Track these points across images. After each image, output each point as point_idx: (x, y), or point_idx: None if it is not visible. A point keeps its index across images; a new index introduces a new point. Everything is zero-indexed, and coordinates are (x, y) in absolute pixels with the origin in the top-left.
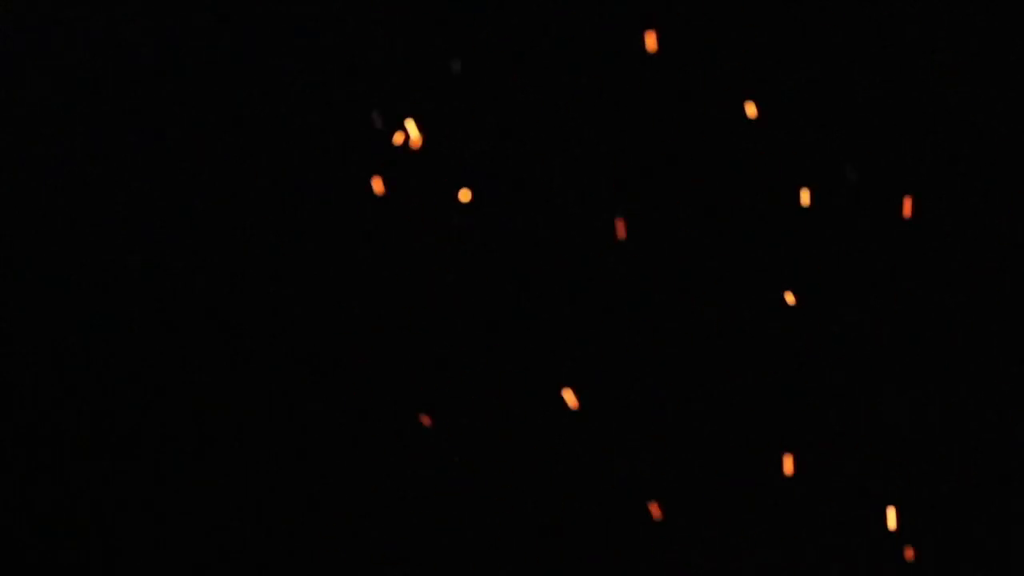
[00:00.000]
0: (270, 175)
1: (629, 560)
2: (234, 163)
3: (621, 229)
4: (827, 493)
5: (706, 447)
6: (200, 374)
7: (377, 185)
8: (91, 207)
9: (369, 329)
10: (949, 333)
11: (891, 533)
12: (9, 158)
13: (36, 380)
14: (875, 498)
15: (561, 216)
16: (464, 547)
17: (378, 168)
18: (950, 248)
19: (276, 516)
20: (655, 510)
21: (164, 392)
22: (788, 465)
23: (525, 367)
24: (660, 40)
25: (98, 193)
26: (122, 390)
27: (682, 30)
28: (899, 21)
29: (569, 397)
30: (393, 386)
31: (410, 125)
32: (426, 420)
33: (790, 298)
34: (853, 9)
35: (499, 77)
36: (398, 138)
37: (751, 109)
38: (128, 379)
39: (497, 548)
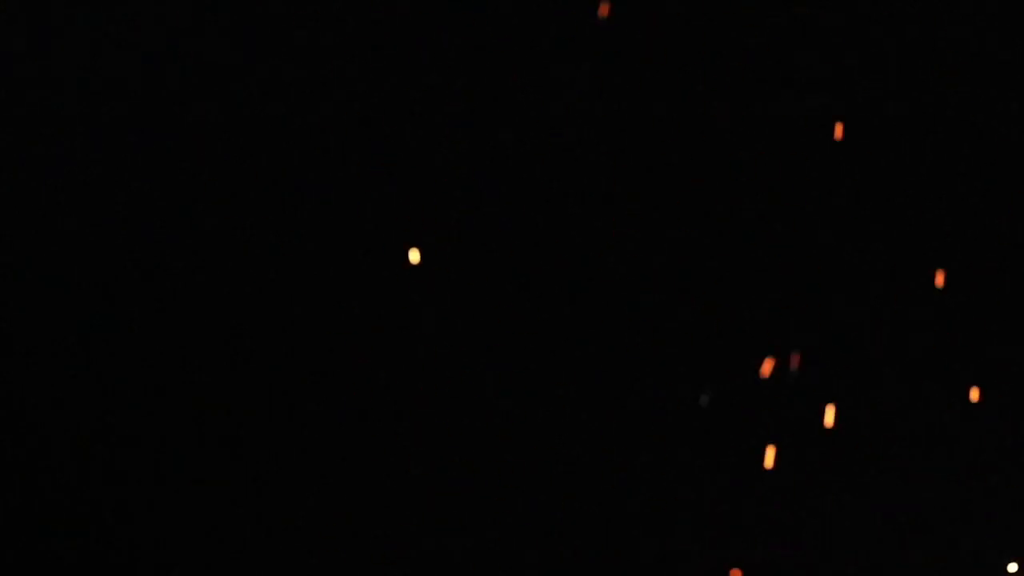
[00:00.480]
0: (270, 175)
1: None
2: (234, 163)
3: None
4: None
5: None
6: (200, 374)
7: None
8: (91, 207)
9: (369, 328)
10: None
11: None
12: (9, 158)
13: (36, 380)
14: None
15: (560, 215)
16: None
17: (378, 169)
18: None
19: (276, 516)
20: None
21: (164, 392)
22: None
23: (524, 366)
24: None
25: (98, 193)
26: (122, 390)
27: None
28: (899, 21)
29: (413, 255)
30: (393, 386)
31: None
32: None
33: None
34: (853, 10)
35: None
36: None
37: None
38: (128, 379)
39: (495, 547)
